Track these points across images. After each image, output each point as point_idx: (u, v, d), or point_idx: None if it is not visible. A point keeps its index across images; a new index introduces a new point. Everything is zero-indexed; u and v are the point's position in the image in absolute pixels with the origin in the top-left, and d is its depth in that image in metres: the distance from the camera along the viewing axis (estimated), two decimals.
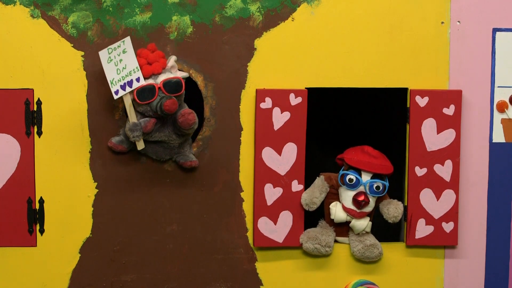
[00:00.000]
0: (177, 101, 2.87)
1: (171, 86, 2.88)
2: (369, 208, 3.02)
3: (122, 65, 2.87)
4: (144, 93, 2.87)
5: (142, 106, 2.89)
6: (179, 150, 2.98)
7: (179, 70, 2.96)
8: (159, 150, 2.97)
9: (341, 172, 3.02)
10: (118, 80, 2.87)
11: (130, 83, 2.87)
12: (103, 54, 2.87)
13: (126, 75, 2.87)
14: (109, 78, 2.87)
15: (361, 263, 3.09)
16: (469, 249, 3.12)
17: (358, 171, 3.01)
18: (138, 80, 2.87)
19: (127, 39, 2.88)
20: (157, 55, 2.90)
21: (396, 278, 3.11)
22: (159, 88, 2.87)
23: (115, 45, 2.88)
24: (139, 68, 2.88)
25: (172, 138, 2.94)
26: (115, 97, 2.87)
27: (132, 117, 2.89)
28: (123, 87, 2.87)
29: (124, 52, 2.87)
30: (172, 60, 2.92)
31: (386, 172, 3.01)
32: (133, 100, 2.88)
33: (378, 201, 3.05)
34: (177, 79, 2.88)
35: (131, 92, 2.88)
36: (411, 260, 3.11)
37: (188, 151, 3.00)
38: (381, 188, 3.01)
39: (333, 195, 3.06)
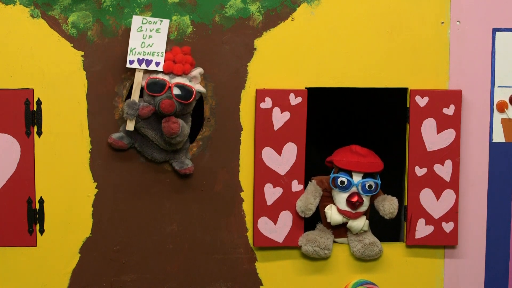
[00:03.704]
0: (179, 107, 2.86)
1: (180, 90, 2.87)
2: (364, 208, 3.02)
3: (149, 41, 2.87)
4: (155, 86, 2.88)
5: (148, 96, 2.89)
6: (174, 155, 2.98)
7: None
8: (154, 152, 2.97)
9: (332, 175, 3.02)
10: (139, 53, 2.87)
11: (148, 62, 2.87)
12: (136, 20, 2.88)
13: (149, 53, 2.87)
14: (130, 45, 2.88)
15: (361, 263, 3.09)
16: (469, 249, 3.12)
17: (349, 172, 3.00)
18: (157, 64, 2.88)
19: (166, 22, 2.89)
20: (186, 59, 2.90)
21: (396, 278, 3.11)
22: (169, 87, 2.87)
23: (152, 19, 2.88)
24: (164, 54, 2.88)
25: (159, 142, 2.93)
26: (128, 65, 2.88)
27: (135, 95, 2.90)
28: (140, 61, 2.87)
29: (157, 31, 2.88)
30: (197, 71, 2.92)
31: (377, 170, 3.01)
32: (142, 87, 2.89)
33: (373, 198, 3.05)
34: (189, 88, 2.88)
35: (144, 77, 2.88)
36: (411, 260, 3.11)
37: (183, 156, 2.99)
38: (373, 186, 3.01)
39: (327, 198, 3.05)
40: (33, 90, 2.95)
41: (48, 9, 2.94)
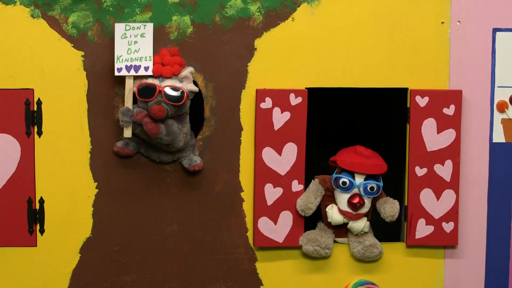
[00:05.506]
0: (171, 109, 2.85)
1: (171, 93, 2.87)
2: (365, 209, 3.02)
3: (135, 47, 2.85)
4: (145, 91, 2.86)
5: (141, 102, 2.89)
6: (182, 153, 2.98)
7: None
8: (161, 155, 2.97)
9: (334, 175, 3.02)
10: (126, 60, 2.85)
11: (137, 68, 2.86)
12: (119, 28, 2.86)
13: (136, 58, 2.85)
14: (117, 53, 2.86)
15: (361, 263, 3.09)
16: (469, 249, 3.12)
17: (351, 173, 3.00)
18: (146, 69, 2.86)
19: (150, 26, 2.87)
20: (174, 60, 2.88)
21: (396, 278, 3.11)
22: (159, 91, 2.86)
23: (136, 25, 2.86)
24: (152, 58, 2.87)
25: (160, 145, 2.92)
26: (116, 73, 2.86)
27: (128, 102, 2.88)
28: (128, 68, 2.86)
29: (142, 36, 2.86)
30: (187, 71, 2.89)
31: (379, 172, 3.01)
32: (134, 93, 2.88)
33: (375, 200, 3.05)
34: (180, 89, 2.87)
35: (135, 83, 2.87)
36: (411, 260, 3.11)
37: (191, 153, 2.99)
38: (375, 188, 3.00)
39: (329, 198, 3.05)
40: (33, 90, 2.95)
41: (48, 9, 2.94)
